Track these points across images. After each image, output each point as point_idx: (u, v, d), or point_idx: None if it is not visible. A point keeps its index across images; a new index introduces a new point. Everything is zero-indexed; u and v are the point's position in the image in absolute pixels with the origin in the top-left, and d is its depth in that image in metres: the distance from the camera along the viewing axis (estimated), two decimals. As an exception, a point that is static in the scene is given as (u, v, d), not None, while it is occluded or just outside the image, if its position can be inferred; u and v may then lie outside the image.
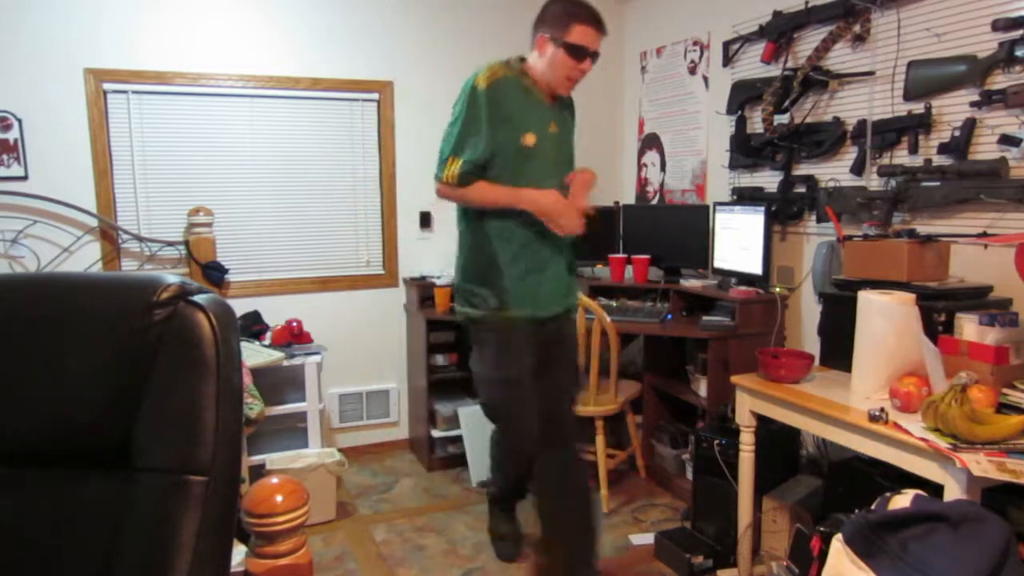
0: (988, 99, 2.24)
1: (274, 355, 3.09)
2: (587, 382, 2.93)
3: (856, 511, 1.58)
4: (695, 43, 3.63)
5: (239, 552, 1.09)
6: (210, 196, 3.37)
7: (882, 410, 1.84)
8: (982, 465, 1.57)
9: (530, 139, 2.17)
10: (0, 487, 1.02)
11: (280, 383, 3.23)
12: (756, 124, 3.21)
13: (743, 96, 3.25)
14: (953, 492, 1.63)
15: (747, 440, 2.33)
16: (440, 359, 3.59)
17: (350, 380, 3.74)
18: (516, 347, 2.22)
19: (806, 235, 3.05)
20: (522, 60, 2.25)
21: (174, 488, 0.96)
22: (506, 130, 2.14)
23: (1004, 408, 1.82)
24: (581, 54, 2.14)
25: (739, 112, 3.28)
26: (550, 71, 2.18)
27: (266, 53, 3.42)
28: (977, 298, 2.17)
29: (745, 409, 2.31)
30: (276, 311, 3.47)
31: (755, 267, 3.05)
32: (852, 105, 2.76)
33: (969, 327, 1.98)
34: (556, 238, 2.21)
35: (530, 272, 2.22)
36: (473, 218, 2.25)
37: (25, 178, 3.06)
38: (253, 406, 2.78)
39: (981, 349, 1.92)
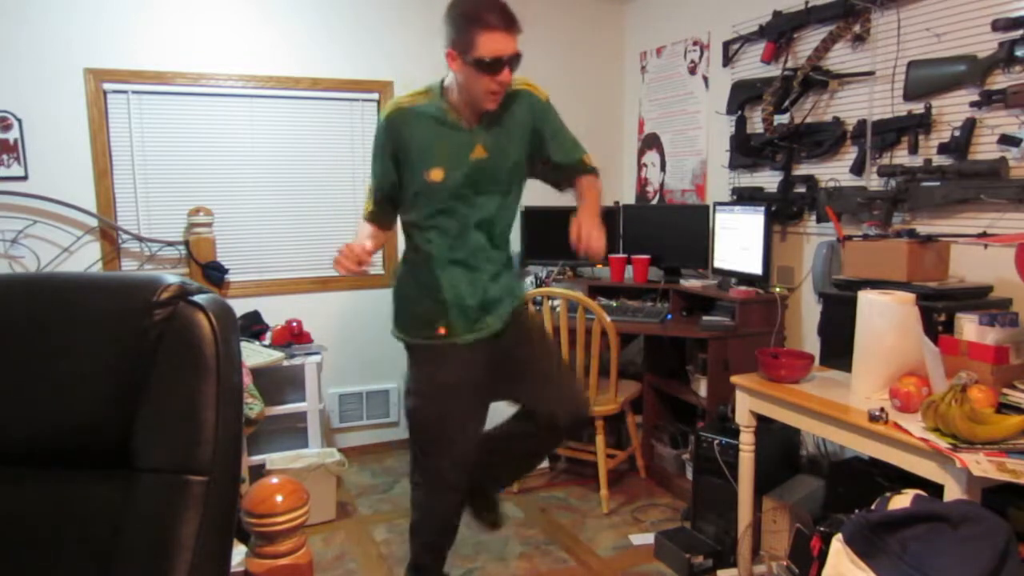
0: (988, 99, 2.24)
1: (274, 355, 3.09)
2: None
3: (856, 511, 1.58)
4: (695, 43, 3.63)
5: (239, 552, 1.09)
6: (210, 196, 3.37)
7: (882, 410, 1.84)
8: (982, 465, 1.57)
9: (436, 175, 1.96)
10: (0, 487, 1.02)
11: (280, 383, 3.23)
12: (756, 124, 3.21)
13: (743, 96, 3.25)
14: (953, 492, 1.63)
15: (747, 440, 2.33)
16: (440, 359, 3.59)
17: (350, 380, 3.74)
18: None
19: (806, 235, 3.05)
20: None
21: (174, 488, 0.96)
22: (409, 166, 1.98)
23: (1004, 408, 1.82)
24: (495, 67, 1.82)
25: (739, 112, 3.28)
26: (467, 90, 1.91)
27: (266, 53, 3.42)
28: (977, 298, 2.17)
29: (745, 409, 2.31)
30: (276, 311, 3.47)
31: (755, 267, 3.05)
32: (852, 105, 2.75)
33: (969, 327, 1.98)
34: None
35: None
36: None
37: (25, 178, 3.06)
38: (253, 406, 2.78)
39: (981, 349, 1.92)
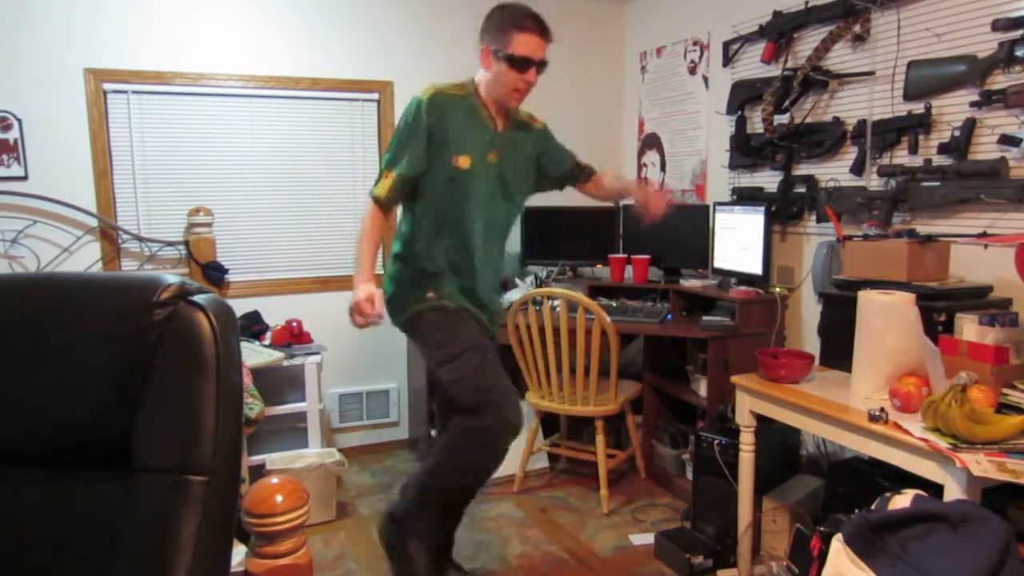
0: (988, 99, 2.24)
1: (274, 355, 3.09)
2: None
3: (856, 511, 1.58)
4: (695, 43, 3.63)
5: (239, 552, 1.09)
6: (210, 196, 3.37)
7: (882, 410, 1.84)
8: (982, 465, 1.57)
9: (464, 161, 2.11)
10: (0, 487, 1.02)
11: (280, 383, 3.23)
12: (756, 124, 3.21)
13: (743, 96, 3.25)
14: (953, 492, 1.63)
15: (747, 440, 2.33)
16: (440, 359, 3.59)
17: (350, 380, 3.74)
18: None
19: (806, 235, 3.05)
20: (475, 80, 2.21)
21: (174, 488, 0.95)
22: (441, 150, 2.09)
23: (1004, 408, 1.82)
24: (524, 65, 2.05)
25: (739, 112, 3.28)
26: (495, 84, 2.11)
27: (266, 53, 3.42)
28: (977, 298, 2.17)
29: (745, 409, 2.31)
30: (276, 311, 3.47)
31: (755, 267, 3.05)
32: (852, 105, 2.75)
33: (969, 327, 1.98)
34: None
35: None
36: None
37: (25, 178, 3.06)
38: (253, 406, 2.78)
39: (981, 349, 1.92)
